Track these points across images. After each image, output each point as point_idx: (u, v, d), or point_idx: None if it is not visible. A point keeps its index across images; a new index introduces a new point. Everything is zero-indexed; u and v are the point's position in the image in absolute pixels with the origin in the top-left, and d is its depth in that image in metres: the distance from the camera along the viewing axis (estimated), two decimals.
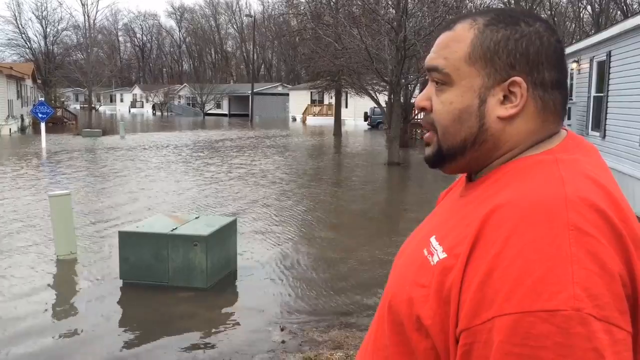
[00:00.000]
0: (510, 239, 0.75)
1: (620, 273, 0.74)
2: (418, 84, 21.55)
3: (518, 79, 0.87)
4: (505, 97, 0.88)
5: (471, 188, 0.93)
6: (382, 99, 21.28)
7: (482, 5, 24.04)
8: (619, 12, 39.36)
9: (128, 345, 4.74)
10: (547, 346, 0.69)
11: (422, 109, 0.95)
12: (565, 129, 0.94)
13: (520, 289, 0.72)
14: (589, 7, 45.84)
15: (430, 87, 0.94)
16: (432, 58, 0.93)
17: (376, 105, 19.57)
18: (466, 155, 0.92)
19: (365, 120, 40.36)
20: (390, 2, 18.06)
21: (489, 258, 0.76)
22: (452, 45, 0.91)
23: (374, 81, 20.80)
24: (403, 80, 18.08)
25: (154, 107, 73.07)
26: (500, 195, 0.82)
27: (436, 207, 1.08)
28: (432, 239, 0.88)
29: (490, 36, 0.89)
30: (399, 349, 0.88)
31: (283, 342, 4.71)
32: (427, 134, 0.96)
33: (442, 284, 0.80)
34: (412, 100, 22.88)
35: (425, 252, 0.87)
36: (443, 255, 0.83)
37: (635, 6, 36.75)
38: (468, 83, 0.89)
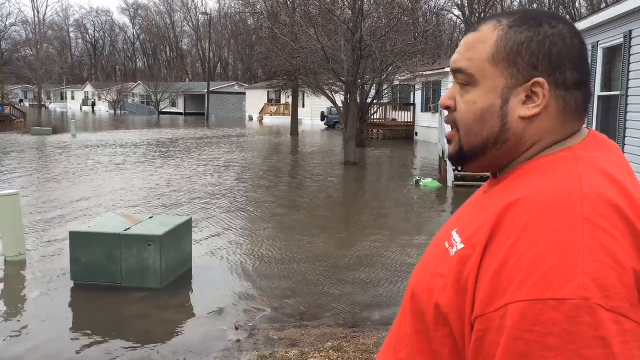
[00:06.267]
0: (525, 231, 0.79)
1: (635, 268, 0.76)
2: (374, 84, 21.77)
3: (540, 79, 0.90)
4: (527, 97, 0.91)
5: (494, 185, 0.96)
6: (339, 99, 21.39)
7: (437, 8, 24.36)
8: None
9: (80, 347, 4.65)
10: (554, 333, 0.72)
11: (447, 108, 0.98)
12: (588, 128, 0.97)
13: (532, 278, 0.75)
14: None
15: (454, 87, 0.98)
16: (457, 60, 0.96)
17: (333, 105, 19.66)
18: (487, 155, 0.95)
19: (322, 120, 40.51)
20: (346, 3, 18.18)
21: (505, 248, 0.79)
22: (477, 47, 0.94)
23: (331, 81, 20.86)
24: (359, 81, 18.21)
25: (93, 104, 71.62)
26: (519, 190, 0.85)
27: (464, 204, 1.11)
28: (454, 232, 0.92)
29: (514, 37, 0.91)
30: (419, 337, 0.92)
31: (238, 341, 4.70)
32: (450, 132, 0.99)
33: (459, 273, 0.84)
34: (368, 100, 23.07)
35: (447, 245, 0.91)
36: (461, 246, 0.87)
37: None
38: (491, 83, 0.92)
